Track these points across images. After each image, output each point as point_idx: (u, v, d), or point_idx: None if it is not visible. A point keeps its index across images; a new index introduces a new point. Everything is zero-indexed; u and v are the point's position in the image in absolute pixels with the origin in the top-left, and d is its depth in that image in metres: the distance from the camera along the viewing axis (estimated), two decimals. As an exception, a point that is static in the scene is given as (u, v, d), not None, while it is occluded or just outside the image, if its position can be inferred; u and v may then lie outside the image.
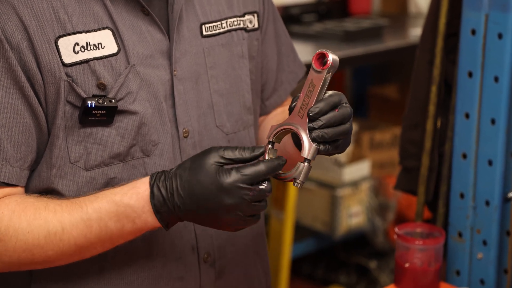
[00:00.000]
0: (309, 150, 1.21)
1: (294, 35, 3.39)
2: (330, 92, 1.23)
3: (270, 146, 1.25)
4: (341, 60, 3.61)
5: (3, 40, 1.20)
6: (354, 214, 3.33)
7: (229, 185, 1.17)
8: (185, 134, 1.33)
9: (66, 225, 1.21)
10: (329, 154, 1.26)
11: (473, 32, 1.69)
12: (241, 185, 1.17)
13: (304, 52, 3.18)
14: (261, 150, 1.21)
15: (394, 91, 3.99)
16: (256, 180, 1.18)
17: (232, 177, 1.17)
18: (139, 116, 1.28)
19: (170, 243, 1.33)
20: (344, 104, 1.24)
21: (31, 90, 1.23)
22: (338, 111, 1.22)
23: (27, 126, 1.24)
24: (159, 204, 1.20)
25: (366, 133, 3.46)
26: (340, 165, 3.32)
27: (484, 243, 1.72)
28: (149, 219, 1.21)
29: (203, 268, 1.37)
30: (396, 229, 1.65)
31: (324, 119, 1.21)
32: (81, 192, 1.27)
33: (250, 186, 1.17)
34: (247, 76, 1.43)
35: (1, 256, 1.22)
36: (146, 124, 1.29)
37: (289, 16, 3.58)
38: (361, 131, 3.45)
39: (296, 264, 3.36)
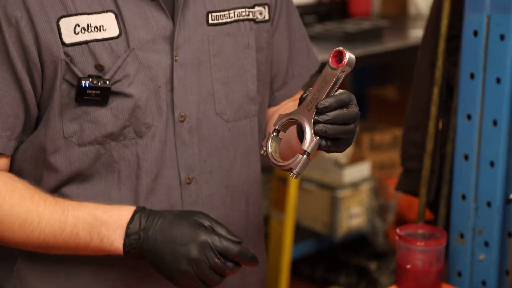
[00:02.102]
0: (309, 143, 1.22)
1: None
2: (341, 90, 1.24)
3: (275, 133, 1.26)
4: None
5: (0, 16, 1.25)
6: (354, 215, 3.33)
7: (203, 242, 1.23)
8: (181, 119, 1.35)
9: (42, 220, 1.27)
10: (328, 151, 1.27)
11: (475, 33, 1.69)
12: (213, 247, 1.23)
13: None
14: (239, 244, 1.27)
15: (394, 92, 3.99)
16: (226, 253, 1.24)
17: (210, 237, 1.24)
18: (134, 99, 1.31)
19: None
20: (353, 105, 1.25)
21: (21, 66, 1.28)
22: (346, 110, 1.23)
23: (16, 99, 1.29)
24: (133, 231, 1.26)
25: (366, 134, 3.46)
26: (340, 166, 3.32)
27: (486, 244, 1.72)
28: (115, 243, 1.27)
29: None
30: (398, 230, 1.65)
31: (330, 114, 1.21)
32: (72, 165, 1.32)
33: (218, 255, 1.24)
34: (252, 67, 1.44)
35: None
36: (141, 107, 1.31)
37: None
38: (361, 132, 3.45)
39: (296, 265, 3.37)
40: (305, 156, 1.22)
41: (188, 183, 1.37)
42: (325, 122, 1.21)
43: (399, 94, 3.95)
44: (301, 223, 3.34)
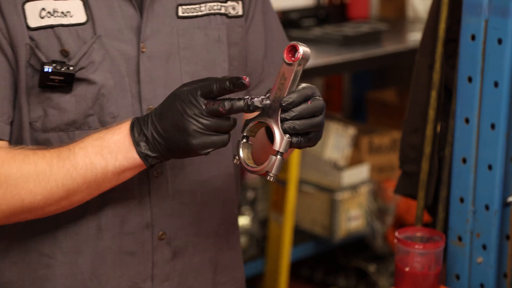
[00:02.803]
0: (280, 142, 1.20)
1: (294, 40, 3.39)
2: (303, 84, 1.22)
3: (244, 140, 1.25)
4: (340, 64, 3.61)
5: None
6: (353, 218, 3.34)
7: (184, 90, 1.20)
8: (149, 111, 1.31)
9: (54, 166, 1.22)
10: (301, 147, 1.25)
11: (473, 37, 1.69)
12: (195, 92, 1.19)
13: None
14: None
15: (393, 95, 4.00)
16: (209, 94, 1.19)
17: (188, 87, 1.21)
18: (97, 86, 1.28)
19: (120, 218, 1.34)
20: (317, 97, 1.23)
21: (8, 46, 1.25)
22: (310, 103, 1.21)
23: (8, 81, 1.26)
24: (137, 133, 1.22)
25: (364, 137, 3.47)
26: (339, 168, 3.33)
27: (484, 247, 1.72)
28: (130, 154, 1.23)
29: (157, 245, 1.37)
30: (397, 233, 1.65)
31: (296, 110, 1.20)
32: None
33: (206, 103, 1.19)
34: (223, 61, 1.41)
35: None
36: (105, 95, 1.29)
37: (288, 20, 3.58)
38: (360, 135, 3.46)
39: (295, 267, 3.37)
40: (278, 156, 1.20)
41: (156, 177, 1.35)
42: (292, 118, 1.20)
43: (398, 97, 3.96)
44: (300, 225, 3.35)
